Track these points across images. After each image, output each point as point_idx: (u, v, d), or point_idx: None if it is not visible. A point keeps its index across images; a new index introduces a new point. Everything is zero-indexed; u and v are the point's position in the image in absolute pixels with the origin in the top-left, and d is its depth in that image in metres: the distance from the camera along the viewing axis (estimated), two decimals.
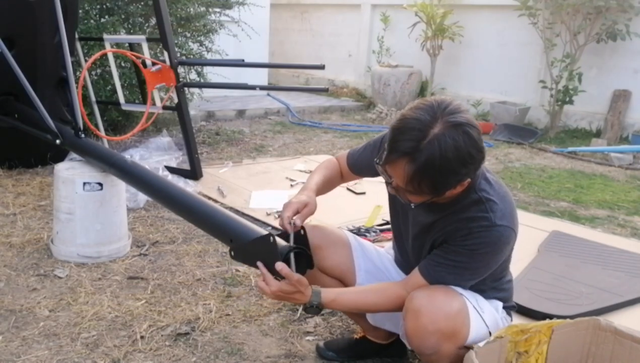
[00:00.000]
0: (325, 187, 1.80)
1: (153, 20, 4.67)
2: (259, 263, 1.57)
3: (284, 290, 1.52)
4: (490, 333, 1.54)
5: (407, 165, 1.35)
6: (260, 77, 7.34)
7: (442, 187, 1.38)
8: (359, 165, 1.79)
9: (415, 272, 1.57)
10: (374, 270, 1.81)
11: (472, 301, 1.55)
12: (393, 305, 1.57)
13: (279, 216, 1.66)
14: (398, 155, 1.35)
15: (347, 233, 1.86)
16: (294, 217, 1.61)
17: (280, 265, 1.51)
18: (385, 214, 3.23)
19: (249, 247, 1.66)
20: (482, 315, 1.55)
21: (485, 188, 1.49)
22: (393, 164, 1.38)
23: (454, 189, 1.41)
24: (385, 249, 1.94)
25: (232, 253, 1.75)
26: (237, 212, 3.13)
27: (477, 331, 1.52)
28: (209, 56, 5.13)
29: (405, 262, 1.79)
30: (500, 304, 1.67)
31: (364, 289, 1.67)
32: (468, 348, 1.46)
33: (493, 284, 1.64)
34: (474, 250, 1.47)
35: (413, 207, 1.48)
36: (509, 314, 1.72)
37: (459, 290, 1.53)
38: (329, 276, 1.79)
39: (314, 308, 1.56)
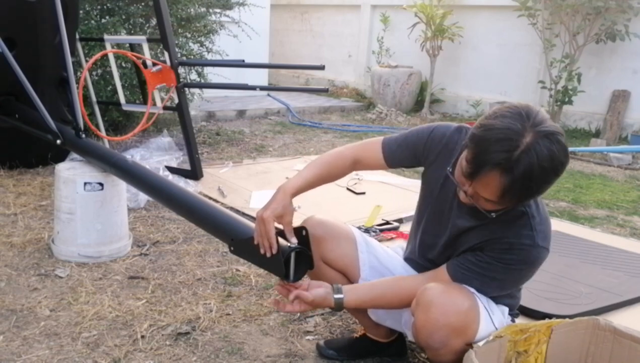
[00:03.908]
0: (317, 184, 1.68)
1: (154, 21, 4.68)
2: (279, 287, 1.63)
3: (304, 308, 1.60)
4: None
5: (501, 176, 1.29)
6: (260, 77, 7.35)
7: (535, 197, 1.35)
8: (398, 159, 1.69)
9: (442, 270, 1.57)
10: (379, 266, 1.80)
11: (483, 301, 1.56)
12: (409, 299, 1.56)
13: (257, 230, 1.58)
14: (490, 167, 1.29)
15: (352, 228, 1.85)
16: (292, 240, 1.60)
17: (296, 293, 1.59)
18: (385, 214, 3.24)
19: (250, 243, 1.67)
20: (492, 316, 1.56)
21: (532, 203, 1.47)
22: (483, 177, 1.32)
23: None
24: (392, 249, 1.94)
25: (232, 248, 1.77)
26: (237, 212, 3.14)
27: (485, 330, 1.52)
28: (209, 57, 5.14)
29: (423, 262, 1.76)
30: (506, 309, 1.67)
31: (381, 286, 1.64)
32: (471, 345, 1.47)
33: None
34: (510, 265, 1.48)
35: (494, 216, 1.43)
36: (512, 321, 1.72)
37: (471, 289, 1.54)
38: (333, 269, 1.78)
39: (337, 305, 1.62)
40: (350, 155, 1.71)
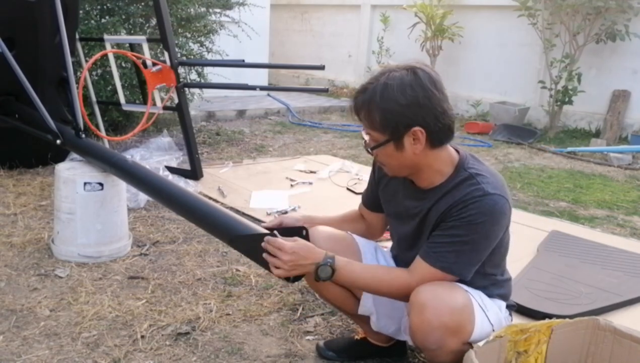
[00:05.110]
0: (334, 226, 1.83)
1: (153, 21, 4.68)
2: (267, 240, 1.57)
3: (294, 260, 1.53)
4: (494, 331, 1.54)
5: (359, 96, 1.50)
6: (260, 77, 7.35)
7: (390, 118, 1.45)
8: (370, 200, 1.86)
9: (417, 258, 1.57)
10: None
11: (477, 298, 1.55)
12: (397, 287, 1.56)
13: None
14: (357, 93, 1.51)
15: (354, 236, 1.83)
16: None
17: (270, 239, 1.56)
18: None
19: (250, 239, 1.66)
20: (487, 313, 1.56)
21: (474, 165, 1.55)
22: (356, 109, 1.52)
23: (411, 141, 1.47)
24: (387, 250, 1.94)
25: (232, 241, 1.77)
26: (237, 212, 3.14)
27: (481, 328, 1.52)
28: (209, 57, 5.14)
29: (407, 260, 1.78)
30: (503, 304, 1.67)
31: (374, 265, 1.73)
32: (471, 345, 1.47)
33: (494, 279, 1.64)
34: (471, 221, 1.47)
35: (371, 150, 1.54)
36: (510, 314, 1.73)
37: (464, 286, 1.54)
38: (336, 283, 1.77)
39: (327, 267, 1.55)
40: (361, 228, 1.90)
